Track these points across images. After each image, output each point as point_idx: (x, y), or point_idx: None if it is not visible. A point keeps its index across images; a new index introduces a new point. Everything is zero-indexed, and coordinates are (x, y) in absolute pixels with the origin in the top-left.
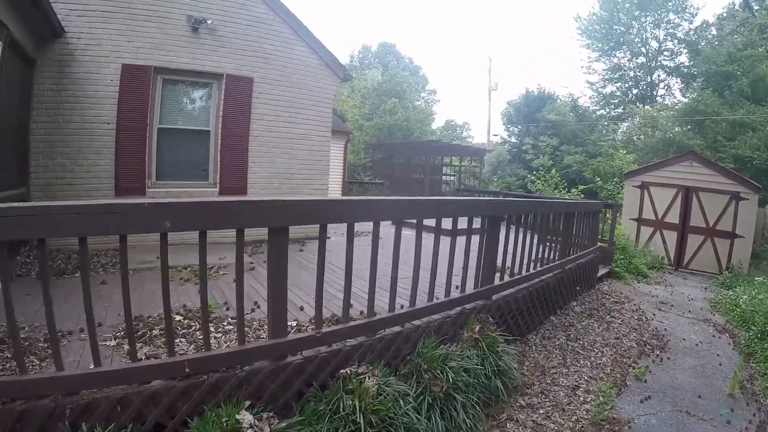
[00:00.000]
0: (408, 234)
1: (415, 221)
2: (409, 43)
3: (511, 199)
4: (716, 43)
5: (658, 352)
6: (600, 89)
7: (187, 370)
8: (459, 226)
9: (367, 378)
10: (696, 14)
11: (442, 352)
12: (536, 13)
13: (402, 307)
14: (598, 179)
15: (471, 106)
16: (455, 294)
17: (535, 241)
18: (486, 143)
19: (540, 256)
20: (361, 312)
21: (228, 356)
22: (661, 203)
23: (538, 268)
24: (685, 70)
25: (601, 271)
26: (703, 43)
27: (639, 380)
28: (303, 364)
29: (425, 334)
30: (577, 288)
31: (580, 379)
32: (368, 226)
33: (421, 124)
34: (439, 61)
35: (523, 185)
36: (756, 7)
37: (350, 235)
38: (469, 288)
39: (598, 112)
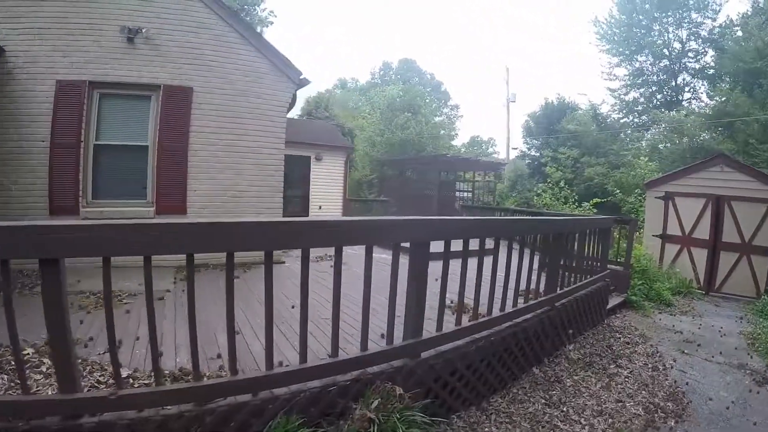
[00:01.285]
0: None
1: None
2: (431, 59)
3: (452, 218)
4: (742, 41)
5: (672, 424)
6: (622, 96)
7: None
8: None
9: None
10: (719, 11)
11: None
12: (556, 20)
13: (282, 364)
14: (618, 191)
15: (495, 121)
16: (349, 353)
17: (503, 272)
18: (506, 157)
19: (515, 291)
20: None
21: (5, 405)
22: (688, 216)
23: (508, 310)
24: (711, 71)
25: (614, 301)
26: (729, 42)
27: None
28: (96, 430)
29: (290, 408)
30: (570, 331)
31: None
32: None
33: (434, 140)
34: (463, 77)
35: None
36: None
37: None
38: (376, 343)
39: (621, 121)
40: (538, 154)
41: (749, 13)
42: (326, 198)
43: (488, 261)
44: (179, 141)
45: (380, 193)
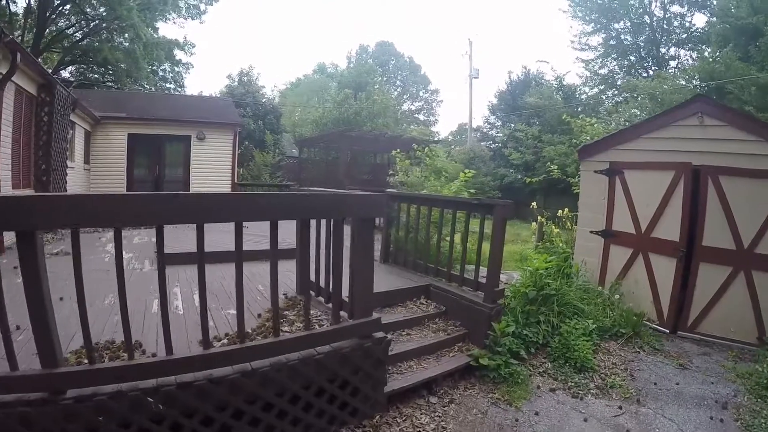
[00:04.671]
0: None
1: None
2: (411, 42)
3: None
4: None
5: None
6: (596, 69)
7: None
8: None
9: None
10: None
11: None
12: None
13: None
14: (555, 167)
15: (480, 107)
16: None
17: None
18: (468, 139)
19: None
20: None
21: None
22: (645, 202)
23: None
24: (698, 34)
25: (444, 366)
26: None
27: None
28: None
29: None
30: None
31: None
32: None
33: (373, 118)
34: (448, 62)
35: (503, 186)
36: None
37: None
38: None
39: (599, 96)
40: (501, 134)
41: None
42: (211, 182)
43: None
44: None
45: (285, 178)
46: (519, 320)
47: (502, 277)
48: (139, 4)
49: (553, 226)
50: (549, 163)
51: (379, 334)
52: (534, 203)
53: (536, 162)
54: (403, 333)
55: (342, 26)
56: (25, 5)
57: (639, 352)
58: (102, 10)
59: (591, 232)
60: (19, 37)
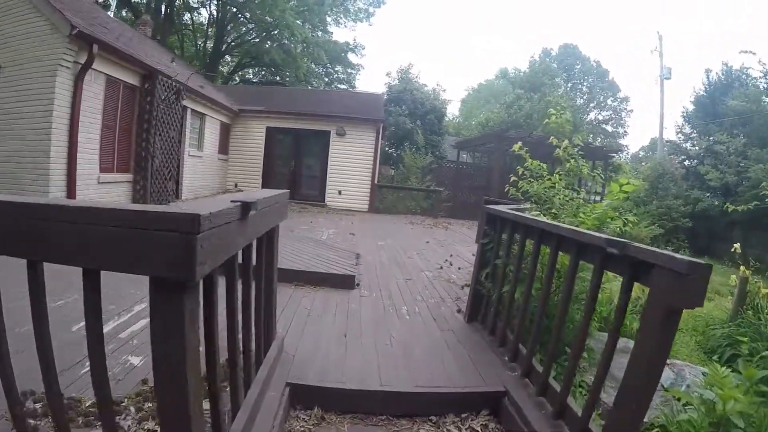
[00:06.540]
0: None
1: None
2: (597, 45)
3: None
4: None
5: None
6: None
7: None
8: None
9: None
10: None
11: None
12: None
13: None
14: None
15: (673, 115)
16: None
17: None
18: (660, 153)
19: None
20: None
21: None
22: None
23: None
24: None
25: None
26: None
27: None
28: None
29: None
30: None
31: None
32: None
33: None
34: (636, 66)
35: (695, 213)
36: None
37: None
38: None
39: None
40: (696, 147)
41: None
42: (348, 181)
43: None
44: None
45: (437, 182)
46: None
47: (668, 373)
48: (295, 5)
49: (761, 286)
50: (766, 184)
51: None
52: (736, 246)
53: (738, 185)
54: None
55: (526, 30)
56: (207, 16)
57: None
58: (260, 13)
59: None
60: (202, 43)
